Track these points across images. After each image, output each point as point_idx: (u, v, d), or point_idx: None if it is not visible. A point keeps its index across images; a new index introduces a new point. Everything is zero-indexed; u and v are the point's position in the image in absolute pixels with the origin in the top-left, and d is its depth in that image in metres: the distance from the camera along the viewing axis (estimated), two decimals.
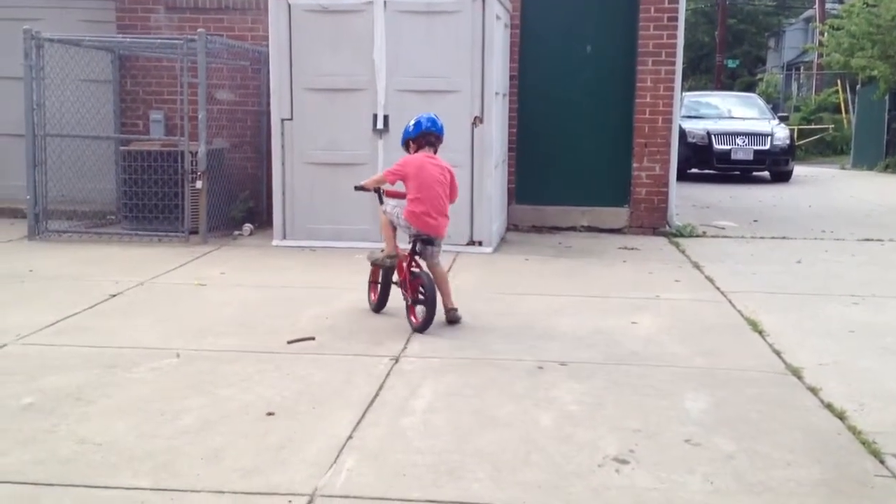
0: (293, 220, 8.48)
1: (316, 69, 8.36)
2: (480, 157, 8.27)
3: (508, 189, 9.70)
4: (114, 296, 6.33)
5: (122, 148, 8.97)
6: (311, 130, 8.40)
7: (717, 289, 6.98)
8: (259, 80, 9.57)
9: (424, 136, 5.63)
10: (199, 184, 8.05)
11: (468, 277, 7.23)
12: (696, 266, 7.92)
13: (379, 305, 5.91)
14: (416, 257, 5.62)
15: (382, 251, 5.79)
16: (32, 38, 8.53)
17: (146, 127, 9.62)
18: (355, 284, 6.58)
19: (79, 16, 10.25)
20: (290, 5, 8.32)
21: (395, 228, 5.71)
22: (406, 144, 5.74)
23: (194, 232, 8.35)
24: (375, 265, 5.89)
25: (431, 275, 5.53)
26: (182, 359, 4.89)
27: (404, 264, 5.63)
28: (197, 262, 7.64)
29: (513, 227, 9.75)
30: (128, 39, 9.24)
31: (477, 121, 8.21)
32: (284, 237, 8.48)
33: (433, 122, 5.65)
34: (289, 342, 5.21)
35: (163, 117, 9.55)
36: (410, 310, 5.56)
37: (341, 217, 8.42)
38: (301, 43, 8.34)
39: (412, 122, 5.67)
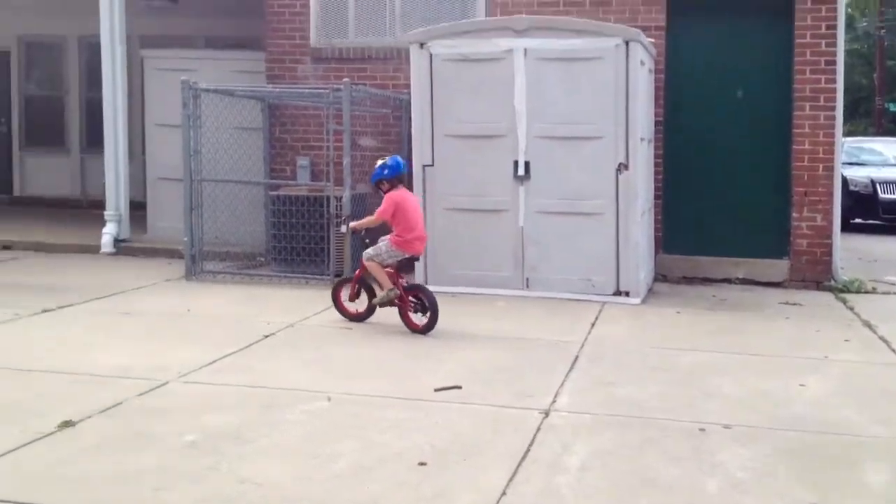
0: (434, 265, 8.61)
1: (457, 116, 8.53)
2: (626, 204, 8.20)
3: (655, 238, 9.48)
4: (266, 336, 6.58)
5: (271, 193, 9.35)
6: (452, 176, 8.55)
7: (893, 351, 6.64)
8: (400, 127, 9.81)
9: (398, 177, 6.76)
10: (343, 228, 8.30)
11: (616, 329, 7.13)
12: (868, 325, 7.53)
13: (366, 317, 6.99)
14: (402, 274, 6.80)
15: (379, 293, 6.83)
16: (190, 88, 9.01)
17: (293, 172, 9.99)
18: (498, 332, 6.64)
19: (231, 67, 10.78)
20: (431, 55, 8.53)
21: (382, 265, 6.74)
22: (378, 183, 6.80)
23: (339, 275, 8.58)
24: (384, 305, 6.81)
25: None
26: (333, 402, 5.03)
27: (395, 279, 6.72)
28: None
29: (661, 277, 9.45)
30: (277, 89, 9.65)
31: (622, 167, 8.17)
32: (426, 282, 8.61)
33: (402, 164, 6.84)
34: (436, 390, 5.28)
35: (309, 163, 9.90)
36: (407, 317, 6.69)
37: (482, 263, 8.50)
38: (442, 90, 8.53)
39: (386, 164, 6.76)
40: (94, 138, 14.43)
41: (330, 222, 8.70)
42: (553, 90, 8.31)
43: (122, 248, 10.46)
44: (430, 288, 8.38)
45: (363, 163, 9.31)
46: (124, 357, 5.89)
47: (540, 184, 8.35)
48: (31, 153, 15.46)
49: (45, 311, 7.25)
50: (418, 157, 8.62)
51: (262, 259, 9.61)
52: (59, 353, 6.03)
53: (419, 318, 6.74)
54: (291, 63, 10.13)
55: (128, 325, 6.98)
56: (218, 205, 9.32)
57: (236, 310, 7.64)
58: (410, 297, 6.77)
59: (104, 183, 11.25)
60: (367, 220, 6.91)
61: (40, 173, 15.35)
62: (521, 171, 8.37)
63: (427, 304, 6.63)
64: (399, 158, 6.87)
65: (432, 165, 8.59)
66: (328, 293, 7.34)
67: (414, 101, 8.65)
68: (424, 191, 8.60)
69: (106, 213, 10.56)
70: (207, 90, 9.18)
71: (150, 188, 11.16)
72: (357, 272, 7.03)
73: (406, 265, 6.85)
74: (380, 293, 6.85)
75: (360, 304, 7.10)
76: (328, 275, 8.60)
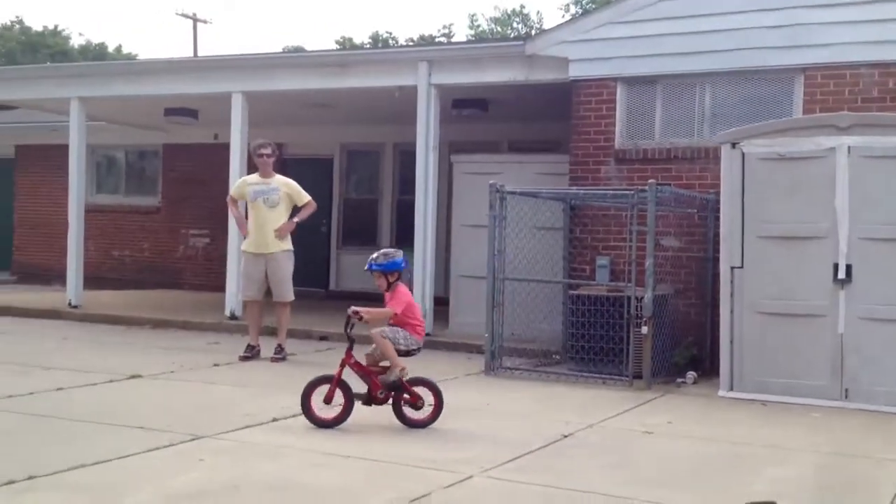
0: (741, 371, 8.17)
1: (769, 217, 8.16)
2: None
3: None
4: (566, 436, 6.48)
5: (570, 292, 9.38)
6: (763, 279, 8.14)
7: None
8: (705, 227, 9.54)
9: (397, 273, 6.69)
10: (644, 329, 8.12)
11: None
12: None
13: (340, 421, 6.42)
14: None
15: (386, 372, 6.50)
16: (497, 191, 9.32)
17: (592, 272, 9.98)
18: (814, 446, 6.12)
19: (534, 169, 11.09)
20: (744, 154, 8.26)
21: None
22: (385, 273, 6.65)
23: (638, 376, 8.37)
24: (398, 384, 6.45)
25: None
26: None
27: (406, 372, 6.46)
28: (641, 408, 7.61)
29: None
30: (582, 191, 9.76)
31: None
32: (731, 388, 8.19)
33: (398, 263, 6.71)
34: None
35: (608, 263, 9.85)
36: (401, 411, 6.47)
37: (796, 371, 7.96)
38: (754, 190, 8.21)
39: (398, 257, 6.72)
40: (402, 237, 15.32)
41: (630, 323, 8.55)
42: (877, 189, 7.75)
43: (425, 342, 10.81)
44: (737, 395, 7.98)
45: (664, 263, 9.11)
46: (428, 448, 6.00)
47: (863, 288, 7.75)
48: (347, 251, 16.67)
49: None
50: (726, 259, 8.31)
51: (558, 357, 9.60)
52: (370, 441, 6.25)
53: (413, 413, 6.50)
54: (595, 165, 10.23)
55: (452, 418, 7.14)
56: (516, 302, 9.48)
57: (534, 407, 7.63)
58: (406, 393, 6.47)
59: (409, 279, 11.85)
60: (382, 312, 6.61)
61: (354, 269, 16.45)
62: (841, 275, 7.81)
63: (434, 392, 6.51)
64: (397, 259, 6.73)
65: (741, 267, 8.23)
66: (627, 394, 7.18)
67: (723, 200, 8.39)
68: (732, 293, 8.24)
69: None
70: (513, 192, 9.45)
71: (453, 285, 11.59)
72: (338, 370, 6.50)
73: (416, 353, 6.68)
74: (393, 373, 6.44)
75: (332, 411, 6.47)
76: (627, 376, 8.41)
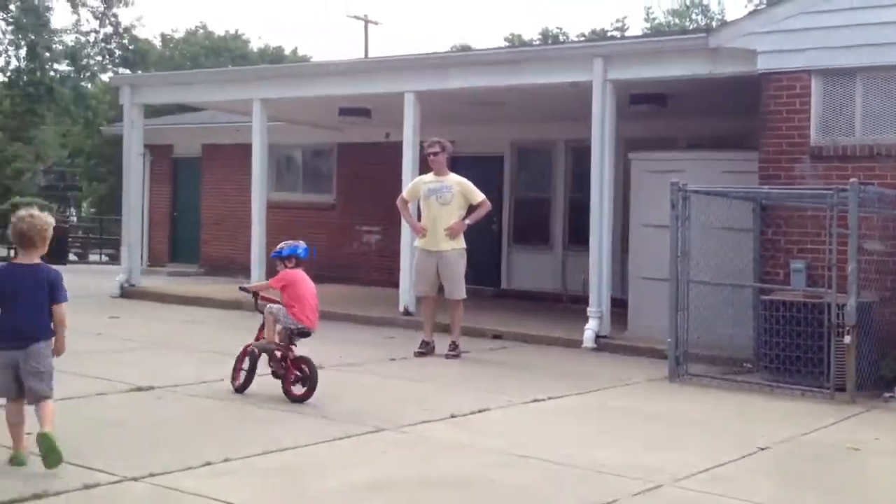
0: None
1: None
2: None
3: None
4: (762, 449, 6.09)
5: (762, 297, 8.87)
6: None
7: None
8: None
9: (296, 259, 7.26)
10: (847, 339, 7.57)
11: None
12: None
13: (245, 387, 7.05)
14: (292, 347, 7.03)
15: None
16: (679, 189, 8.93)
17: (786, 276, 9.41)
18: None
19: (720, 167, 10.56)
20: None
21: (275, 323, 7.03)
22: (282, 259, 7.27)
23: (840, 389, 7.81)
24: (263, 351, 7.03)
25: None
26: None
27: (285, 353, 6.97)
28: (845, 423, 7.06)
29: None
30: (774, 190, 9.23)
31: None
32: None
33: (305, 250, 7.34)
34: None
35: (804, 267, 9.25)
36: (288, 387, 6.85)
37: None
38: None
39: (289, 247, 7.30)
40: (575, 236, 15.07)
41: (831, 331, 7.99)
42: None
43: (602, 344, 10.59)
44: None
45: (868, 268, 8.48)
46: (614, 453, 5.79)
47: None
48: (518, 249, 16.54)
49: (535, 400, 7.45)
50: None
51: (749, 365, 9.09)
52: (551, 442, 6.10)
53: (299, 389, 6.89)
54: (788, 162, 9.65)
55: (615, 422, 6.93)
56: (701, 306, 9.05)
57: (725, 417, 7.27)
58: (295, 370, 6.90)
59: (583, 280, 11.58)
60: (258, 284, 7.81)
61: (525, 268, 16.34)
62: None
63: (309, 373, 6.88)
64: (302, 244, 7.43)
65: None
66: (827, 408, 6.73)
67: None
68: None
69: (589, 309, 10.79)
70: (697, 191, 9.04)
71: (632, 287, 11.23)
72: (248, 344, 7.20)
73: (300, 338, 7.14)
74: (262, 342, 7.09)
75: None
76: (827, 388, 7.85)
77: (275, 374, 7.07)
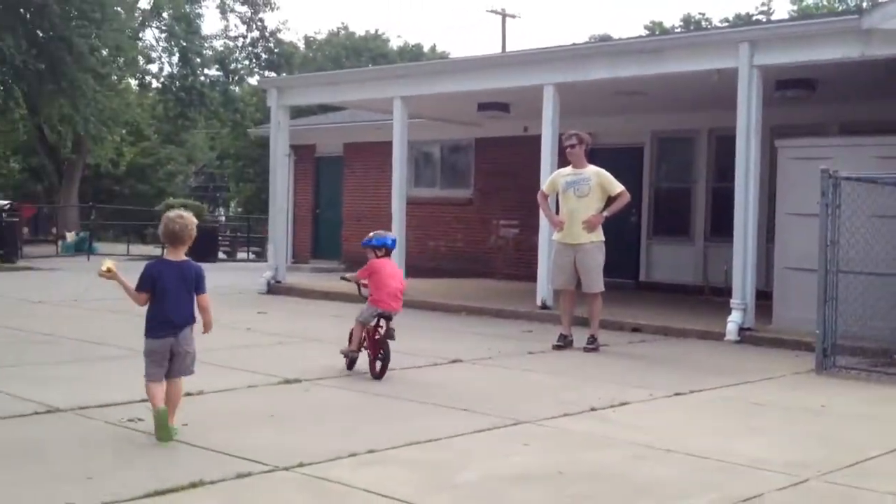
0: None
1: None
2: None
3: None
4: None
5: None
6: None
7: None
8: None
9: (383, 248, 7.92)
10: None
11: None
12: None
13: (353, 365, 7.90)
14: (379, 328, 7.69)
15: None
16: (830, 177, 8.61)
17: None
18: None
19: (872, 153, 10.14)
20: None
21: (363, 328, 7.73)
22: (373, 248, 7.91)
23: None
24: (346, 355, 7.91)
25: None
26: None
27: (371, 335, 7.71)
28: None
29: None
30: None
31: None
32: None
33: (393, 241, 8.09)
34: None
35: None
36: (372, 364, 7.62)
37: None
38: None
39: (378, 238, 7.97)
40: (717, 227, 14.72)
41: None
42: None
43: (745, 336, 10.33)
44: None
45: None
46: (759, 447, 5.67)
47: None
48: (658, 241, 16.29)
49: (676, 394, 7.36)
50: None
51: None
52: (693, 436, 6.02)
53: (378, 366, 7.58)
54: None
55: (758, 416, 6.76)
56: (851, 296, 8.70)
57: (875, 410, 7.01)
58: (378, 350, 7.61)
59: (726, 271, 11.31)
60: (353, 275, 8.20)
61: (665, 260, 16.08)
62: None
63: (384, 355, 7.59)
64: (390, 236, 8.18)
65: None
66: None
67: None
68: None
69: (732, 301, 10.55)
70: (849, 178, 8.69)
71: (778, 277, 10.89)
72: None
73: (385, 321, 7.75)
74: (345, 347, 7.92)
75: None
76: None
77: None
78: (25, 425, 5.68)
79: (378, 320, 7.76)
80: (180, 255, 5.57)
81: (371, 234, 8.09)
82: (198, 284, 5.55)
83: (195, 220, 5.62)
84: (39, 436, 5.45)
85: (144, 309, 5.54)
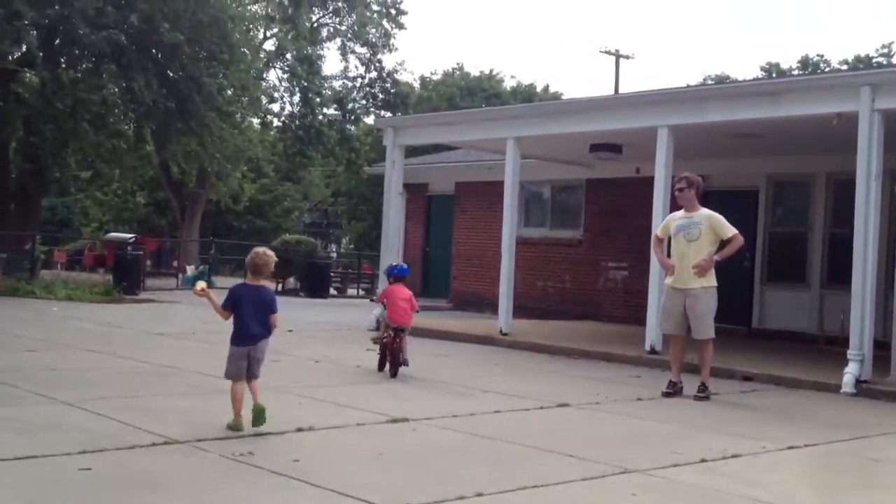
0: None
1: None
2: None
3: None
4: None
5: None
6: None
7: None
8: None
9: (394, 277, 10.41)
10: None
11: None
12: None
13: (381, 367, 10.14)
14: (396, 339, 9.88)
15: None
16: None
17: None
18: None
19: None
20: None
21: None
22: (388, 276, 10.59)
23: None
24: (378, 340, 10.41)
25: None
26: None
27: (390, 342, 9.92)
28: None
29: None
30: None
31: None
32: None
33: (402, 269, 10.64)
34: None
35: None
36: (384, 365, 10.03)
37: None
38: None
39: (390, 267, 10.81)
40: (834, 274, 14.31)
41: None
42: None
43: (862, 389, 9.99)
44: None
45: None
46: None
47: None
48: (771, 287, 15.91)
49: (790, 447, 7.17)
50: None
51: None
52: (807, 492, 5.88)
53: (393, 370, 9.83)
54: None
55: (876, 472, 6.56)
56: None
57: None
58: (392, 356, 9.88)
59: (842, 319, 10.95)
60: (376, 335, 10.74)
61: (778, 307, 15.68)
62: None
63: (394, 361, 9.85)
64: (402, 264, 11.07)
65: None
66: None
67: None
68: None
69: (849, 351, 10.21)
70: None
71: None
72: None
73: (398, 333, 9.89)
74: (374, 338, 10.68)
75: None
76: None
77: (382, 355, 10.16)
78: (144, 456, 5.93)
79: (394, 332, 9.82)
80: (259, 281, 6.80)
81: (392, 263, 11.05)
82: (271, 306, 6.74)
83: (275, 259, 6.86)
84: (156, 468, 5.68)
85: None
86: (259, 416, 6.54)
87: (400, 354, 9.78)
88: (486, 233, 19.57)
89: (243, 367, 6.68)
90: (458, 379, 10.03)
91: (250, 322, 6.66)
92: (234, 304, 6.71)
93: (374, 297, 11.26)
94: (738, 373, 10.94)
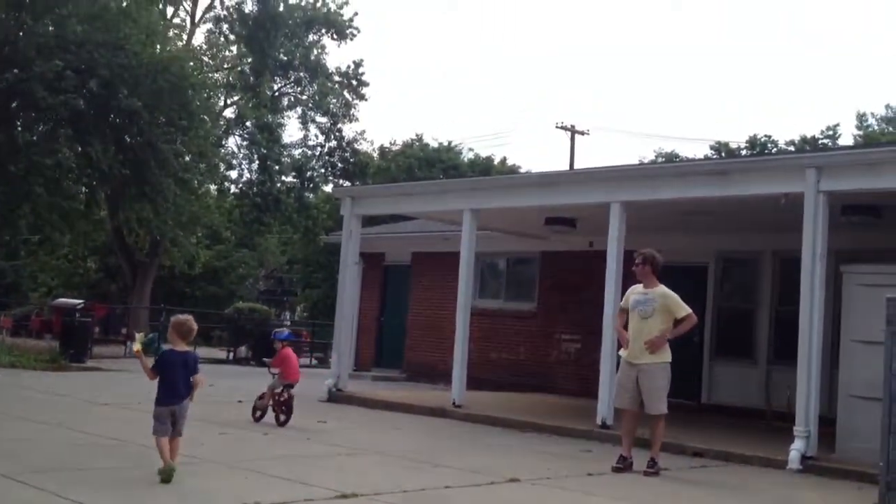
0: None
1: None
2: None
3: None
4: None
5: None
6: None
7: None
8: None
9: (285, 342, 12.15)
10: None
11: None
12: None
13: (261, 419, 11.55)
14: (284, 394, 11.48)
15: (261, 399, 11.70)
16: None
17: None
18: None
19: None
20: None
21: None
22: (280, 341, 12.03)
23: None
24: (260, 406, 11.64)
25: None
26: None
27: (277, 397, 11.52)
28: None
29: None
30: None
31: None
32: None
33: (287, 335, 12.86)
34: None
35: None
36: (277, 417, 11.41)
37: None
38: None
39: (278, 332, 12.52)
40: (781, 350, 14.55)
41: None
42: None
43: (808, 465, 10.12)
44: None
45: None
46: None
47: None
48: (720, 362, 16.13)
49: None
50: None
51: None
52: None
53: (282, 418, 11.34)
54: None
55: None
56: None
57: None
58: (282, 407, 11.42)
59: (788, 396, 11.11)
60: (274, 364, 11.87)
61: (727, 382, 15.88)
62: None
63: (286, 409, 11.41)
64: (286, 331, 13.30)
65: None
66: None
67: None
68: None
69: (795, 428, 10.37)
70: None
71: (842, 405, 10.68)
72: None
73: (288, 389, 11.50)
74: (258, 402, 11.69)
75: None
76: None
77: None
78: None
79: (283, 388, 11.42)
80: (184, 346, 7.65)
81: (275, 329, 13.16)
82: (194, 369, 7.57)
83: (196, 327, 7.67)
84: None
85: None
86: (169, 474, 7.19)
87: (290, 407, 11.40)
88: (441, 303, 19.64)
89: (169, 424, 7.42)
90: (409, 452, 9.97)
91: (177, 384, 7.45)
92: (163, 368, 7.49)
93: (270, 364, 12.06)
94: (689, 448, 11.01)
